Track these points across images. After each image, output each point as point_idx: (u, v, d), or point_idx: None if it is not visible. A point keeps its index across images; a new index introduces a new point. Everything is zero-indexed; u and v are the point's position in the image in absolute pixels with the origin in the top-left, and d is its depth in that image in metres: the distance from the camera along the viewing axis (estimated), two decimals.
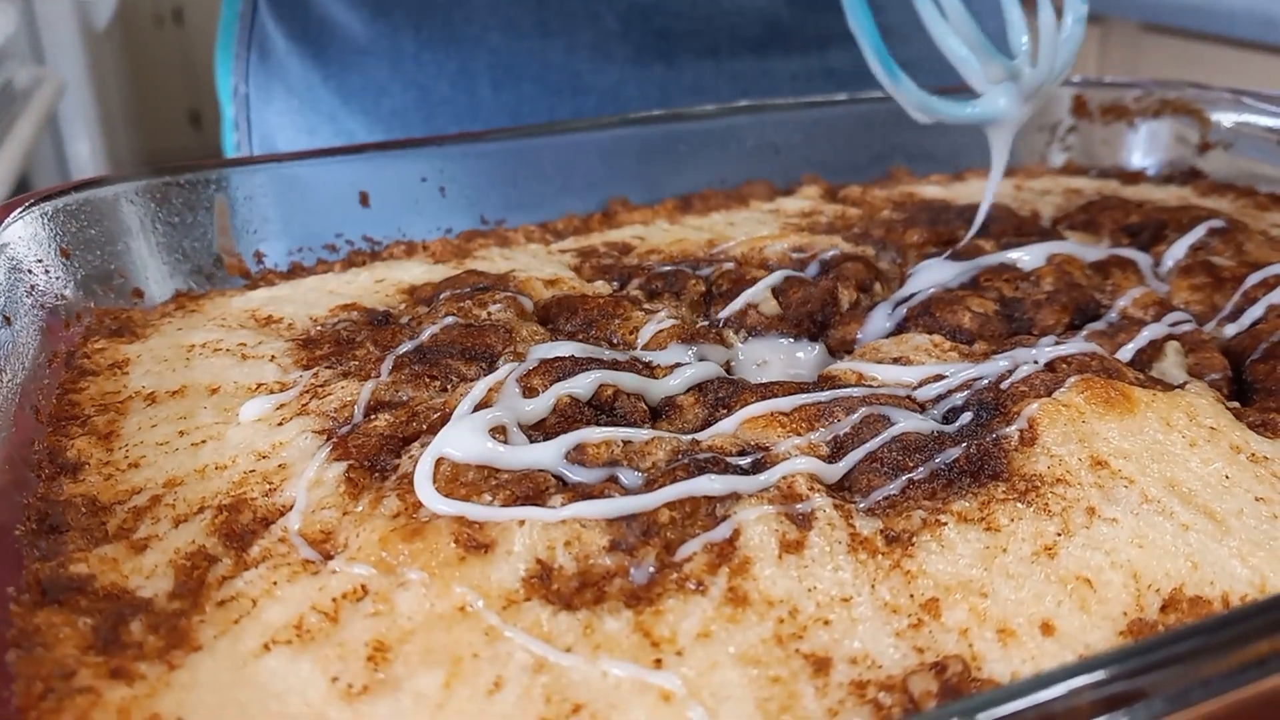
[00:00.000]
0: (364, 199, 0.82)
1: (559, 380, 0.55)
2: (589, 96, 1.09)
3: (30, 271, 0.66)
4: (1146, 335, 0.62)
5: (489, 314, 0.65)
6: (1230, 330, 0.67)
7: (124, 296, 0.72)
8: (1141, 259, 0.75)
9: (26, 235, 0.67)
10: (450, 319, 0.64)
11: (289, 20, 1.12)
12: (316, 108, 1.12)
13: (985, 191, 0.77)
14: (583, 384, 0.55)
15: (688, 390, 0.57)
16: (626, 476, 0.49)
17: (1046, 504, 0.47)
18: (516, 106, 1.09)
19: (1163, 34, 2.66)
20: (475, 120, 1.09)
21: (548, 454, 0.49)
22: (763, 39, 1.11)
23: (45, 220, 0.69)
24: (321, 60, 1.11)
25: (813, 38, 1.12)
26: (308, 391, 0.58)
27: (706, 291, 0.70)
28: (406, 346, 0.61)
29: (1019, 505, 0.47)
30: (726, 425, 0.53)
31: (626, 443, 0.51)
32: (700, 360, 0.61)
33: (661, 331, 0.63)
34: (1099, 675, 0.33)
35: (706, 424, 0.55)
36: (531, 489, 0.47)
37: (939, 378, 0.58)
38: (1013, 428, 0.52)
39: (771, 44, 1.11)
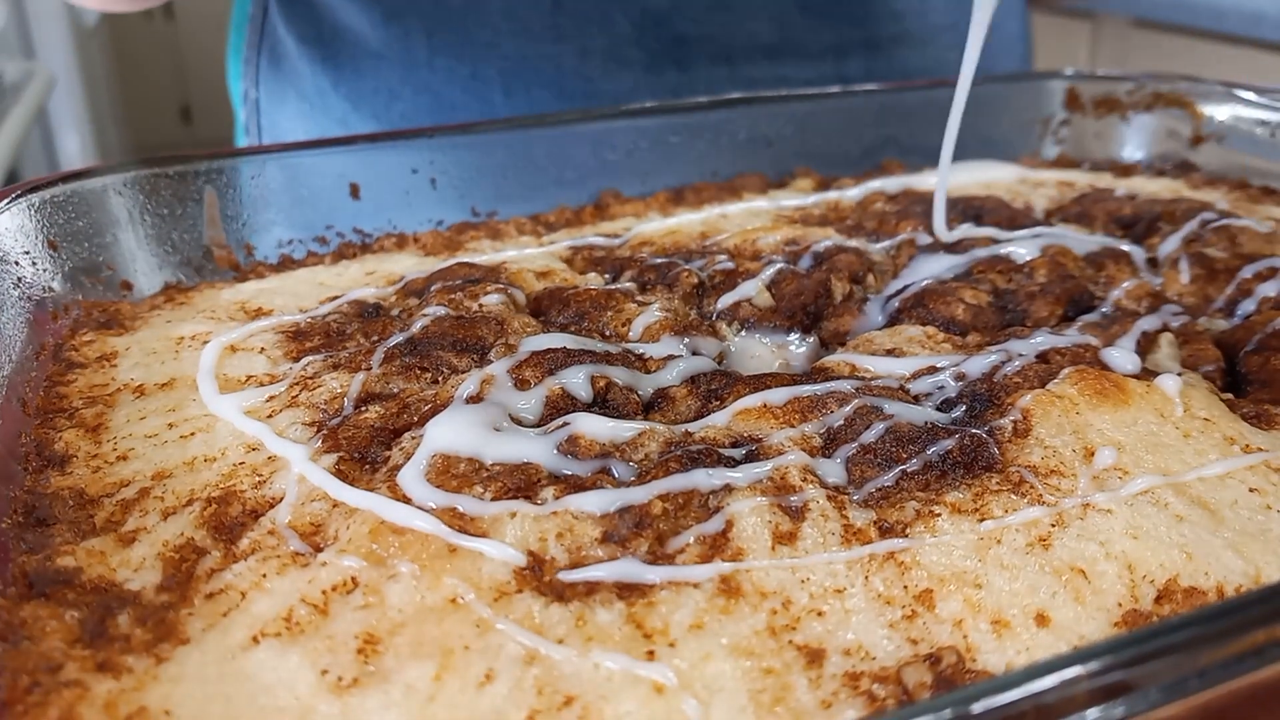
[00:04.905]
0: (354, 191, 0.81)
1: (551, 373, 0.55)
2: (602, 102, 1.08)
3: (17, 264, 0.66)
4: (1140, 327, 0.61)
5: (480, 306, 0.64)
6: (1223, 323, 0.66)
7: (112, 289, 0.72)
8: (1135, 251, 0.75)
9: (13, 227, 0.67)
10: (441, 311, 0.63)
11: (300, 24, 1.10)
12: (328, 113, 1.11)
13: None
14: (575, 377, 0.55)
15: (680, 382, 0.57)
16: (619, 468, 0.49)
17: (1040, 495, 0.47)
18: (529, 112, 1.08)
19: (1153, 29, 2.66)
20: None
21: (540, 446, 0.49)
22: (777, 46, 1.10)
23: (32, 212, 0.68)
24: (333, 65, 1.10)
25: (828, 46, 1.11)
26: (298, 384, 0.57)
27: (699, 284, 0.70)
28: (397, 338, 0.60)
29: (1013, 496, 0.47)
30: (719, 417, 0.53)
31: (618, 436, 0.50)
32: (693, 353, 0.61)
33: (654, 324, 0.63)
34: (1094, 665, 0.33)
35: (699, 416, 0.55)
36: (523, 481, 0.47)
37: (932, 369, 0.58)
38: (1006, 419, 0.51)
39: (786, 52, 1.10)
